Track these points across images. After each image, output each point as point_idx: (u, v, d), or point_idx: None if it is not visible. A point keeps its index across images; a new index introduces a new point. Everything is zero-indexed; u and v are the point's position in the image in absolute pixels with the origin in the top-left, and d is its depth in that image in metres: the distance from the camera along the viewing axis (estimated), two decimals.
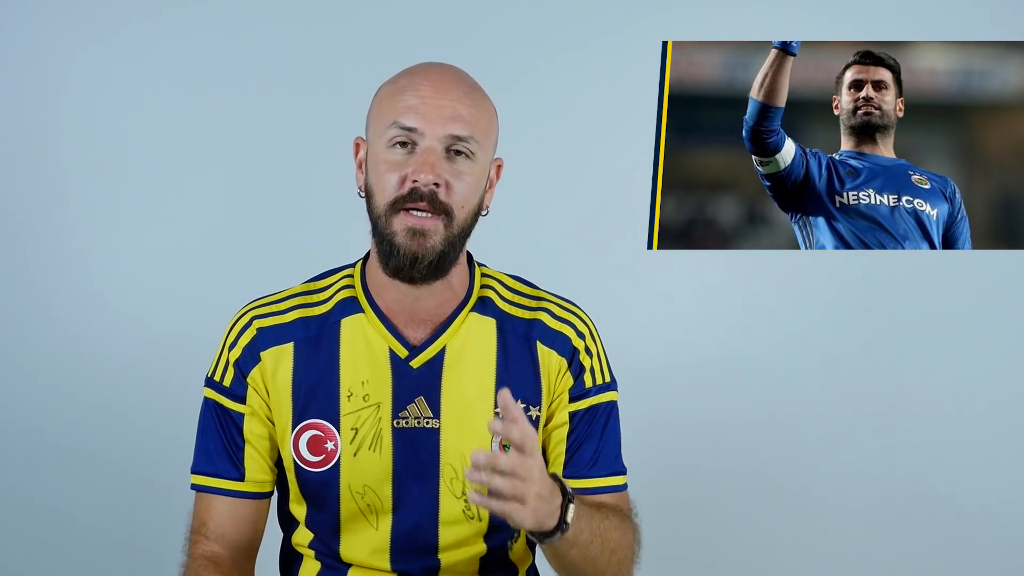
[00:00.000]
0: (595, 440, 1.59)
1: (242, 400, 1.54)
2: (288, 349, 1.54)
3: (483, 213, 1.55)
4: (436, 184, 1.45)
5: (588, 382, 1.59)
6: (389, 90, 1.51)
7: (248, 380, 1.54)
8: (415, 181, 1.46)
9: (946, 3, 2.59)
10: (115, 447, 2.62)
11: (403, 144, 1.47)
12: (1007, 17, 2.58)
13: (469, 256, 1.60)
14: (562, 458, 1.58)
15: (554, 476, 1.38)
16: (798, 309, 2.70)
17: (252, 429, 1.54)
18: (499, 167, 1.57)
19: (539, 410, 1.57)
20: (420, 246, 1.47)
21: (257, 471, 1.55)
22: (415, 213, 1.46)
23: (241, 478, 1.54)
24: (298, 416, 1.53)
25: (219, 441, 1.54)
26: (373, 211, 1.50)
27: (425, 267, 1.48)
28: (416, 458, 1.53)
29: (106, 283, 2.63)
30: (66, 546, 2.63)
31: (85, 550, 2.63)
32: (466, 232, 1.51)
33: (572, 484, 1.55)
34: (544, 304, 1.61)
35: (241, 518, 1.56)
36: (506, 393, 1.31)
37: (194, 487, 1.56)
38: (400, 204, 1.47)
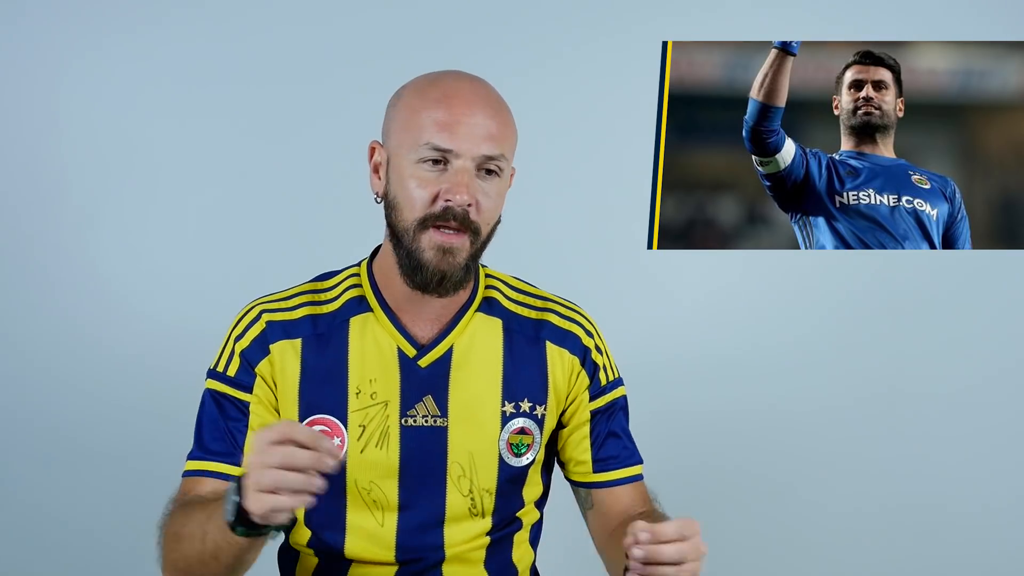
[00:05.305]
0: (616, 434, 1.63)
1: (248, 389, 1.54)
2: (297, 344, 1.55)
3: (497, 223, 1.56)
4: (469, 204, 1.47)
5: (603, 379, 1.63)
6: (417, 102, 1.50)
7: (256, 371, 1.54)
8: (448, 200, 1.46)
9: (946, 3, 2.59)
10: (118, 442, 2.62)
11: (435, 162, 1.47)
12: (1007, 17, 2.58)
13: None
14: (588, 455, 1.62)
15: None
16: (798, 309, 2.70)
17: (259, 416, 1.54)
18: (511, 175, 1.58)
19: (544, 409, 1.60)
20: (449, 264, 1.48)
21: None
22: (444, 231, 1.47)
23: (238, 464, 1.52)
24: (304, 411, 1.54)
25: (219, 429, 1.53)
26: (398, 224, 1.50)
27: (451, 284, 1.50)
28: (424, 456, 1.54)
29: (111, 279, 2.63)
30: (67, 541, 2.63)
31: (86, 545, 2.63)
32: (487, 245, 1.53)
33: (602, 478, 1.62)
34: (550, 305, 1.64)
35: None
36: (640, 526, 1.30)
37: (186, 473, 1.54)
38: (431, 221, 1.47)
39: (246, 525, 1.28)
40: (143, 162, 2.63)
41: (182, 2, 2.62)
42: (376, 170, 1.55)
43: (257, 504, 1.24)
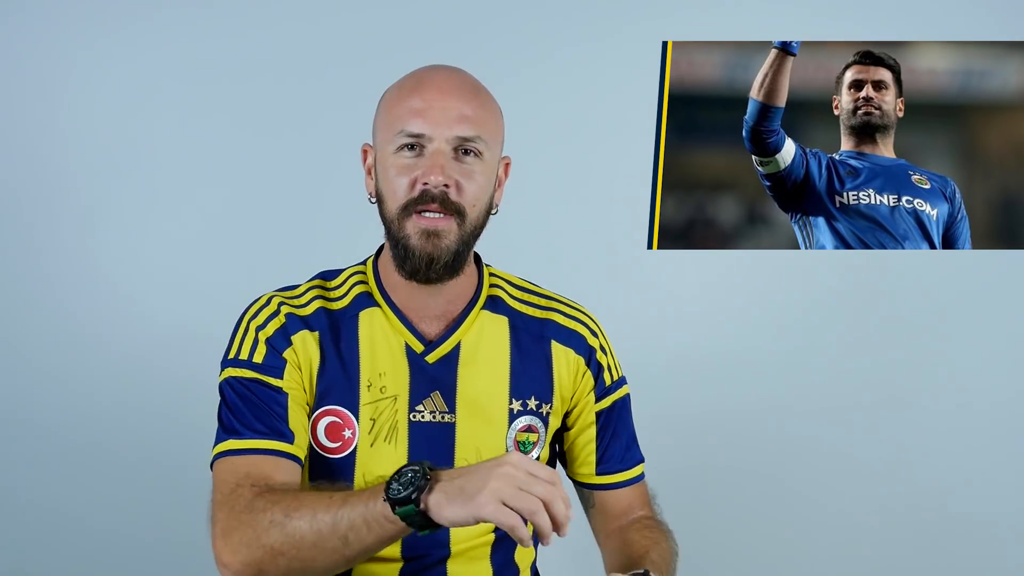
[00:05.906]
0: (620, 435, 1.65)
1: (278, 374, 1.51)
2: (315, 336, 1.55)
3: (493, 212, 1.57)
4: (446, 185, 1.48)
5: (607, 380, 1.64)
6: (394, 96, 1.53)
7: (284, 356, 1.53)
8: (425, 183, 1.48)
9: (946, 3, 2.59)
10: (120, 442, 2.62)
11: (411, 148, 1.49)
12: (1007, 17, 2.58)
13: (476, 256, 1.63)
14: (593, 456, 1.64)
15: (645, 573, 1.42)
16: (798, 309, 2.70)
17: (297, 400, 1.52)
18: (507, 165, 1.59)
19: (550, 407, 1.61)
20: (435, 247, 1.49)
21: (303, 442, 1.51)
22: (427, 215, 1.48)
23: (289, 440, 1.48)
24: (318, 402, 1.54)
25: (257, 408, 1.49)
26: (385, 215, 1.52)
27: (441, 267, 1.50)
28: (431, 451, 1.55)
29: (111, 279, 2.63)
30: (68, 541, 2.63)
31: (87, 545, 2.63)
32: (478, 230, 1.54)
33: (605, 480, 1.64)
34: (554, 304, 1.65)
35: (289, 474, 1.48)
36: None
37: (224, 454, 1.47)
38: (412, 207, 1.49)
39: (418, 516, 1.26)
40: (143, 163, 2.63)
41: (183, 1, 2.62)
42: (369, 172, 1.57)
43: (493, 512, 1.22)
